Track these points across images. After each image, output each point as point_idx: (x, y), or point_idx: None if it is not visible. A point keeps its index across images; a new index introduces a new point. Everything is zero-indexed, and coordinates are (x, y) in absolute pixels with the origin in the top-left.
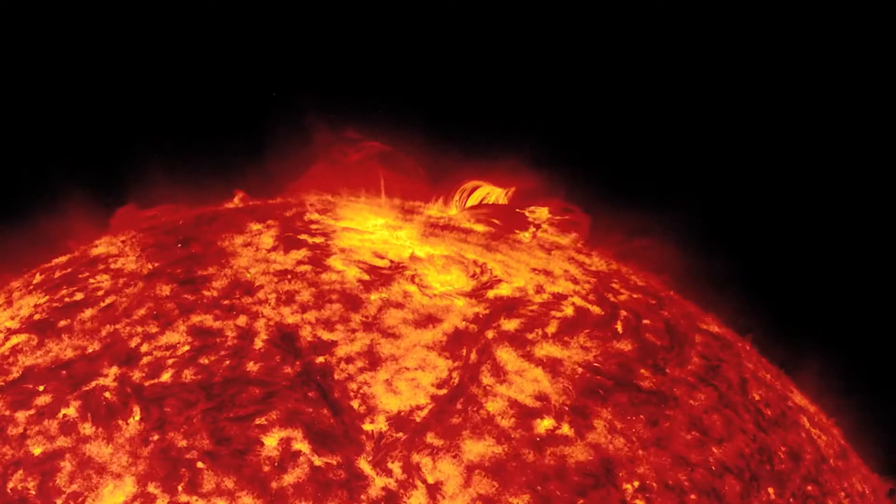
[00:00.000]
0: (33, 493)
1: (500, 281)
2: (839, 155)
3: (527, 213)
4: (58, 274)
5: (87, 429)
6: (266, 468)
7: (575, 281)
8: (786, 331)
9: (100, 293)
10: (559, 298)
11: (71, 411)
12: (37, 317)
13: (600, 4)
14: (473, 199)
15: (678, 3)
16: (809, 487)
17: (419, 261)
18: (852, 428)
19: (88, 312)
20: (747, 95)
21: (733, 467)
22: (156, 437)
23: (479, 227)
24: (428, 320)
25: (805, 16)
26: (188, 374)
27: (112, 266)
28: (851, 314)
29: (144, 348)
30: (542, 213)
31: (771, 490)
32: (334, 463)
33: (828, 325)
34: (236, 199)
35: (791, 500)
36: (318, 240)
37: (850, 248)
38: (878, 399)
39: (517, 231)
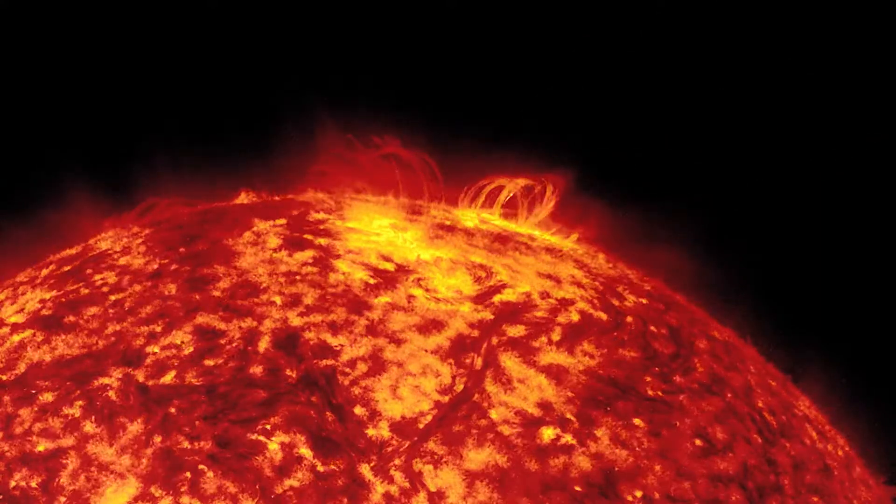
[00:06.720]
0: (36, 491)
1: (505, 286)
2: (846, 160)
3: (529, 211)
4: (64, 269)
5: (90, 428)
6: (268, 472)
7: (581, 286)
8: (792, 337)
9: (105, 290)
10: (565, 304)
11: (75, 410)
12: (43, 312)
13: (606, 3)
14: (480, 199)
15: (681, 4)
16: (814, 499)
17: (425, 264)
18: (858, 436)
19: (94, 310)
20: (757, 100)
21: (737, 478)
22: (159, 439)
23: (485, 228)
24: (432, 325)
25: (812, 16)
26: (192, 376)
27: (118, 262)
28: (858, 322)
29: (149, 348)
30: (544, 211)
31: (775, 502)
32: (336, 468)
33: (835, 332)
34: (242, 197)
35: None
36: (324, 240)
37: (858, 256)
38: (884, 407)
39: (519, 227)
